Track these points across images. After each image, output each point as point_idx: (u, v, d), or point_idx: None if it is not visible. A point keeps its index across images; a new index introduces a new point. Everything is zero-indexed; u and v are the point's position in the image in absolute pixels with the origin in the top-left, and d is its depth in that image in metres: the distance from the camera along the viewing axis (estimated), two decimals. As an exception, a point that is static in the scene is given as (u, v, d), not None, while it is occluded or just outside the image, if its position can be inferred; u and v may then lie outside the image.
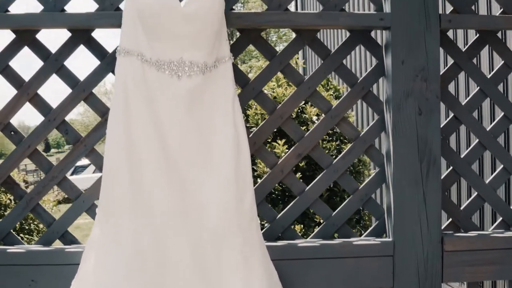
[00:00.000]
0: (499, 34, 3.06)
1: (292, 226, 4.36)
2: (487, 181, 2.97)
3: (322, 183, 2.86)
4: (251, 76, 6.07)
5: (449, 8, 2.87)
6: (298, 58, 7.75)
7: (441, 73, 2.79)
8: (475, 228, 2.94)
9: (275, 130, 2.94)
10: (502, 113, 2.94)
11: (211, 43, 2.48)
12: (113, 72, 2.61)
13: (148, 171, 2.40)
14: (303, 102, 4.77)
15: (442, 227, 2.88)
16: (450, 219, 2.94)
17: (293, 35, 2.90)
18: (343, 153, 2.87)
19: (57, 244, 2.79)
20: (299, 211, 2.87)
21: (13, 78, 2.73)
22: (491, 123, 2.99)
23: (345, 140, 5.32)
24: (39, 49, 2.74)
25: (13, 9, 2.70)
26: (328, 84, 5.95)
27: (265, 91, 5.06)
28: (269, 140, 5.00)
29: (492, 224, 3.01)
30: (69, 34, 2.74)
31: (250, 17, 2.70)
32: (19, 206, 2.75)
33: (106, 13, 2.65)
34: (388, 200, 2.82)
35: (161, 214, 2.37)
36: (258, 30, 2.81)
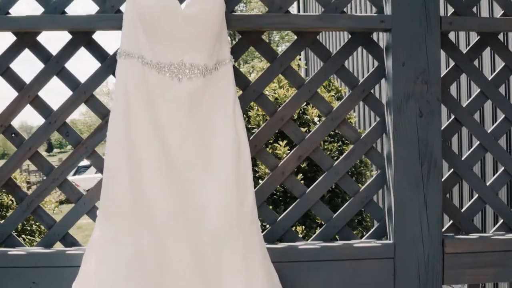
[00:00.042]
0: (500, 36, 3.06)
1: (294, 227, 4.37)
2: (488, 183, 2.97)
3: (323, 185, 2.86)
4: (253, 76, 6.08)
5: (451, 10, 2.87)
6: (300, 59, 7.76)
7: (442, 75, 2.79)
8: (476, 230, 2.94)
9: (276, 131, 2.93)
10: (503, 115, 2.94)
11: (212, 45, 2.48)
12: (113, 75, 2.61)
13: (149, 173, 2.40)
14: (305, 103, 4.78)
15: (443, 229, 2.87)
16: (451, 221, 2.94)
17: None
18: (343, 155, 2.87)
19: (58, 246, 2.79)
20: (300, 213, 2.87)
21: (14, 80, 2.74)
22: (493, 125, 2.99)
23: (347, 142, 5.32)
24: (40, 51, 2.74)
25: (14, 11, 2.71)
26: (329, 85, 5.94)
27: (267, 92, 5.09)
28: (271, 141, 5.00)
29: (494, 226, 3.00)
30: (70, 36, 2.74)
31: (251, 19, 2.70)
32: (19, 208, 2.75)
33: (107, 15, 2.65)
34: (389, 202, 2.82)
35: (161, 216, 2.37)
36: (259, 32, 2.81)
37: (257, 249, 2.48)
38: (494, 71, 2.98)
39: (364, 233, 5.21)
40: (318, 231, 2.90)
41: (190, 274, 2.35)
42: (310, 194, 2.86)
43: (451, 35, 5.53)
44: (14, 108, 2.72)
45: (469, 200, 3.00)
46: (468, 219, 2.94)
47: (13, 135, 2.75)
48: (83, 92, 2.73)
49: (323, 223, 2.97)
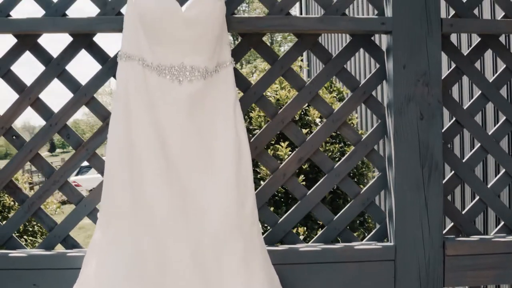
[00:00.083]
0: (502, 38, 3.06)
1: (295, 228, 4.36)
2: (489, 185, 2.96)
3: (323, 188, 2.86)
4: (256, 76, 6.08)
5: (453, 13, 2.86)
6: (302, 60, 7.75)
7: (443, 78, 2.79)
8: (477, 232, 2.94)
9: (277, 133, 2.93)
10: (504, 117, 2.93)
11: (212, 47, 2.49)
12: (114, 77, 2.61)
13: (149, 175, 2.40)
14: (306, 104, 4.78)
15: (444, 232, 2.87)
16: (452, 224, 2.93)
17: (298, 34, 2.89)
18: (344, 157, 2.87)
19: (59, 248, 2.80)
20: (300, 216, 2.87)
21: (15, 82, 2.74)
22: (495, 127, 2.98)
23: (349, 143, 5.31)
24: (41, 54, 2.74)
25: (16, 11, 2.71)
26: (331, 86, 5.94)
27: (268, 93, 5.08)
28: (272, 142, 4.99)
29: (497, 228, 3.00)
30: (70, 39, 2.74)
31: (252, 21, 2.70)
32: (20, 210, 2.76)
33: (108, 17, 2.65)
34: (390, 204, 2.82)
35: (161, 217, 2.38)
36: (259, 35, 2.81)
37: (258, 251, 2.48)
38: (496, 73, 2.97)
39: (366, 234, 5.21)
40: (319, 233, 2.90)
41: (190, 275, 2.35)
42: (311, 196, 2.85)
43: (454, 37, 5.52)
44: (15, 110, 2.73)
45: (471, 202, 3.00)
46: (469, 221, 2.93)
47: (14, 137, 2.76)
48: (84, 95, 2.73)
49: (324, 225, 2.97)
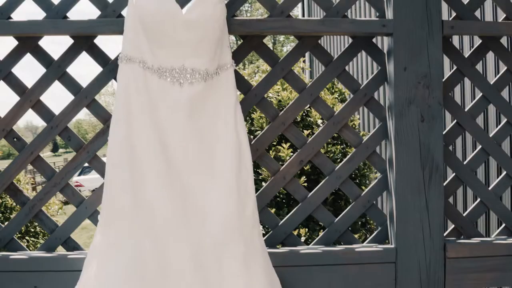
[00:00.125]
0: (504, 40, 3.05)
1: (297, 230, 4.36)
2: (490, 187, 2.96)
3: (324, 190, 2.86)
4: (258, 77, 6.07)
5: (454, 15, 2.86)
6: (304, 61, 7.74)
7: (444, 80, 2.79)
8: (478, 234, 2.93)
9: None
10: (505, 119, 2.93)
11: (213, 50, 2.48)
12: (115, 79, 2.61)
13: (150, 177, 2.40)
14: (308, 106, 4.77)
15: (445, 234, 2.87)
16: (453, 226, 2.93)
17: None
18: (345, 159, 2.87)
19: (60, 251, 2.80)
20: (301, 218, 2.87)
21: (16, 84, 2.75)
22: (496, 129, 2.98)
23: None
24: (42, 56, 2.75)
25: (16, 14, 2.72)
26: (333, 87, 5.93)
27: (270, 95, 5.08)
28: (274, 143, 4.99)
29: (497, 231, 2.99)
30: (71, 40, 2.75)
31: (252, 23, 2.70)
32: (21, 212, 2.76)
33: (108, 20, 2.65)
34: (391, 206, 2.81)
35: (162, 220, 2.38)
36: (260, 37, 2.81)
37: (258, 253, 2.47)
38: (498, 75, 2.97)
39: (368, 235, 5.21)
40: (320, 236, 2.90)
41: (190, 277, 2.35)
42: (312, 199, 2.85)
43: (456, 39, 5.52)
44: (16, 112, 2.73)
45: (474, 204, 3.00)
46: (470, 224, 2.93)
47: (15, 139, 2.76)
48: (84, 97, 2.74)
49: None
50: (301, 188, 2.88)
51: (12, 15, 2.68)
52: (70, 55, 2.74)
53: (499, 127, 2.96)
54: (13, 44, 2.73)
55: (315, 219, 4.88)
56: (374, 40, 2.88)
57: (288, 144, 4.81)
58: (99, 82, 2.75)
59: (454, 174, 2.91)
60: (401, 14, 2.69)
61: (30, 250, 2.80)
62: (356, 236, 4.91)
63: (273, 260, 2.54)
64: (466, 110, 2.91)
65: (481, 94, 2.93)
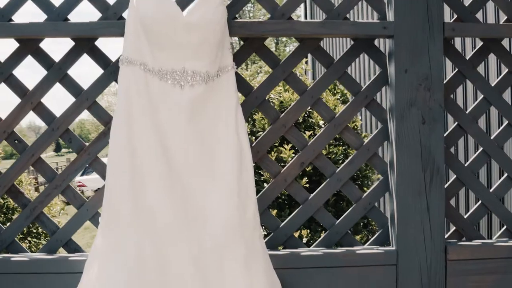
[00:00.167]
0: (506, 42, 3.05)
1: (299, 231, 4.36)
2: (492, 189, 2.96)
3: (325, 192, 2.86)
4: (260, 77, 6.07)
5: (455, 17, 2.86)
6: (306, 62, 7.74)
7: (445, 82, 2.78)
8: (479, 236, 2.93)
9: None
10: (507, 122, 2.92)
11: (214, 52, 2.48)
12: (116, 81, 2.61)
13: (151, 180, 2.40)
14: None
15: (446, 236, 2.87)
16: (454, 228, 2.93)
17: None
18: (346, 161, 2.87)
19: (61, 252, 2.80)
20: (302, 220, 2.87)
21: (17, 86, 2.75)
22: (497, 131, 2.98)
23: (351, 146, 5.29)
24: (43, 58, 2.75)
25: (17, 16, 2.72)
26: (335, 88, 5.92)
27: (272, 95, 5.07)
28: (276, 144, 4.98)
29: (499, 233, 2.99)
30: (72, 43, 2.75)
31: (253, 26, 2.70)
32: (22, 214, 2.77)
33: (109, 22, 2.65)
34: (392, 208, 2.81)
35: (162, 222, 2.37)
36: (261, 39, 2.81)
37: (259, 255, 2.47)
38: (500, 77, 2.97)
39: (370, 236, 5.20)
40: (320, 238, 2.90)
41: (191, 279, 2.35)
42: (313, 201, 2.85)
43: (458, 41, 5.51)
44: (17, 114, 2.74)
45: (475, 206, 3.00)
46: (471, 226, 2.93)
47: (16, 141, 2.77)
48: (85, 99, 2.74)
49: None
50: (302, 190, 2.88)
51: (13, 17, 2.69)
52: (71, 57, 2.74)
53: (500, 129, 2.96)
54: (15, 46, 2.73)
55: (317, 220, 4.89)
56: (375, 42, 2.88)
57: (290, 145, 4.80)
58: (100, 84, 2.75)
59: (455, 176, 2.91)
60: (402, 16, 2.69)
61: (33, 251, 2.81)
62: (358, 237, 4.91)
63: (274, 262, 2.54)
64: (467, 112, 2.91)
65: (482, 96, 2.93)
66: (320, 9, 2.82)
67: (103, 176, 2.67)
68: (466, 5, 2.85)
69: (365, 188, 5.18)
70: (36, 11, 2.79)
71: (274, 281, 2.51)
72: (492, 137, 2.93)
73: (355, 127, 5.48)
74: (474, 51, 2.93)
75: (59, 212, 8.52)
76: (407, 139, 2.70)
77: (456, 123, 2.90)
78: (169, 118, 2.43)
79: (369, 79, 8.67)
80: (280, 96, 5.21)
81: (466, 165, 2.93)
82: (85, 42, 2.73)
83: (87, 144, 2.81)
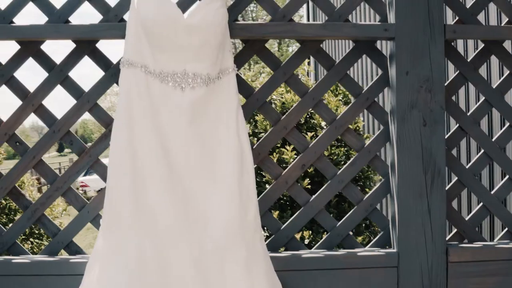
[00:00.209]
0: (508, 44, 3.04)
1: (300, 232, 4.36)
2: (493, 192, 2.95)
3: (326, 194, 2.86)
4: (263, 78, 6.06)
5: (456, 19, 2.85)
6: (308, 63, 7.73)
7: (446, 84, 2.78)
8: (480, 238, 2.93)
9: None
10: (508, 124, 2.92)
11: (215, 54, 2.48)
12: (117, 83, 2.61)
13: (152, 182, 2.40)
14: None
15: (447, 238, 2.87)
16: (455, 230, 2.92)
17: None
18: (347, 163, 2.86)
19: (62, 254, 2.80)
20: (303, 222, 2.87)
21: (18, 88, 2.75)
22: (498, 133, 2.97)
23: (353, 147, 5.28)
24: (44, 60, 2.76)
25: (19, 17, 2.72)
26: (337, 89, 5.92)
27: (274, 97, 5.07)
28: (278, 145, 4.98)
29: (500, 235, 2.99)
30: (73, 45, 2.75)
31: (254, 28, 2.70)
32: (24, 216, 2.77)
33: (110, 24, 2.66)
34: (393, 211, 2.81)
35: (163, 224, 2.37)
36: (262, 41, 2.81)
37: (260, 257, 2.47)
38: (501, 78, 2.96)
39: (372, 237, 5.19)
40: (322, 240, 2.90)
41: (192, 281, 2.35)
42: (314, 203, 2.85)
43: (460, 43, 5.50)
44: (18, 116, 2.74)
45: (476, 208, 2.99)
46: (473, 228, 2.92)
47: (17, 143, 2.77)
48: (86, 101, 2.74)
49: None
50: (303, 192, 2.88)
51: (14, 20, 2.69)
52: (72, 59, 2.74)
53: (501, 131, 2.95)
54: (16, 48, 2.74)
55: (318, 221, 4.89)
56: (377, 44, 2.87)
57: (292, 146, 4.80)
58: (101, 86, 2.75)
59: (456, 178, 2.91)
60: (403, 18, 2.69)
61: (35, 252, 2.81)
62: (360, 238, 4.91)
63: (275, 264, 2.54)
64: (468, 114, 2.90)
65: (483, 98, 2.92)
66: (321, 11, 2.82)
67: (104, 178, 2.67)
68: (468, 7, 2.84)
69: (367, 189, 5.17)
70: (36, 11, 2.79)
71: (275, 283, 2.51)
72: (493, 139, 2.93)
73: (357, 128, 5.48)
74: (476, 53, 2.92)
75: (61, 213, 8.52)
76: (408, 141, 2.70)
77: (458, 125, 2.90)
78: (170, 120, 2.43)
79: (370, 81, 8.66)
80: (282, 97, 5.21)
81: (467, 167, 2.92)
82: (86, 44, 2.74)
83: (88, 145, 2.81)
